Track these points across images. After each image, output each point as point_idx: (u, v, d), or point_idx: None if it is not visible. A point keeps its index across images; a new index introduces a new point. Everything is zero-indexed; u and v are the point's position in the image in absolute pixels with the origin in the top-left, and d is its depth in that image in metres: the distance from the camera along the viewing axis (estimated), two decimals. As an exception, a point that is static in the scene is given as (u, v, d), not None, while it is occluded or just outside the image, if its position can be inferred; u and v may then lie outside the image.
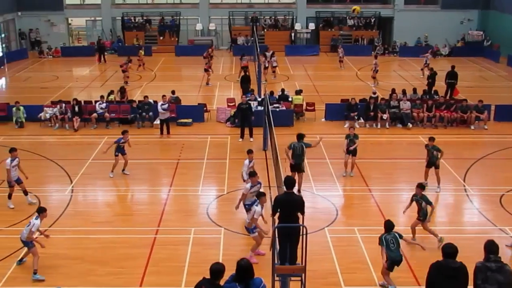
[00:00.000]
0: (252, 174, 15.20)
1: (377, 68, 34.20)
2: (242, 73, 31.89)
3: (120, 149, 19.73)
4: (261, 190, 14.80)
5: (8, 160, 16.90)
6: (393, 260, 12.55)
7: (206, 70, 34.57)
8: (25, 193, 17.37)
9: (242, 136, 23.81)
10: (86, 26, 50.81)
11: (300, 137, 18.03)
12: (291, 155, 17.85)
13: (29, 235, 13.49)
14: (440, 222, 16.95)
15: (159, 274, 13.61)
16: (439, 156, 18.62)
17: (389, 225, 12.86)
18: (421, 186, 15.04)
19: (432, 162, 18.72)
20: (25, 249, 14.01)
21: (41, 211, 13.82)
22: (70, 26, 50.83)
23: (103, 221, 16.58)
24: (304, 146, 17.88)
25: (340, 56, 39.87)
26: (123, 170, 19.93)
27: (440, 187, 18.62)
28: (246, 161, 16.97)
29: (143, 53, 39.78)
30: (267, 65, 35.86)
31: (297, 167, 17.92)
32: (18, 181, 17.14)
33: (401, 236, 12.82)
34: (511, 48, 42.05)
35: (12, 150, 17.24)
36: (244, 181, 16.59)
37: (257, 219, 13.70)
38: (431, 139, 18.95)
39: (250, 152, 17.34)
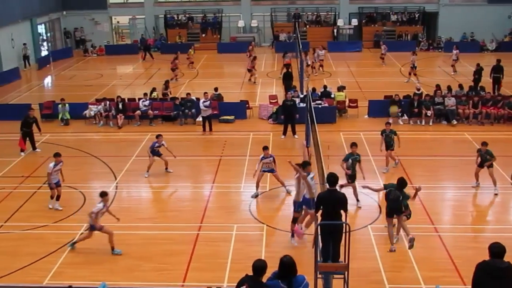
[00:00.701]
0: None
1: (415, 65, 33.64)
2: (285, 70, 31.79)
3: (155, 153, 19.75)
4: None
5: (52, 164, 17.05)
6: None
7: (249, 70, 34.57)
8: (58, 198, 17.29)
9: (285, 133, 23.78)
10: (129, 24, 51.48)
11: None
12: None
13: (94, 219, 14.16)
14: (486, 221, 16.64)
15: (201, 271, 13.70)
16: (492, 161, 18.05)
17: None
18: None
19: (483, 164, 18.17)
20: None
21: (103, 195, 14.47)
22: (114, 24, 51.61)
23: (146, 218, 16.79)
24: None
25: (382, 53, 39.42)
26: (166, 168, 20.02)
27: (497, 188, 18.05)
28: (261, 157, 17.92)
29: (192, 52, 39.95)
30: (309, 63, 35.69)
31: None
32: (57, 184, 17.23)
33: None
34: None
35: (57, 155, 17.28)
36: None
37: (311, 186, 14.05)
38: (484, 143, 18.31)
39: (265, 148, 18.09)
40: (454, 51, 36.77)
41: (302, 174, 14.11)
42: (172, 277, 13.42)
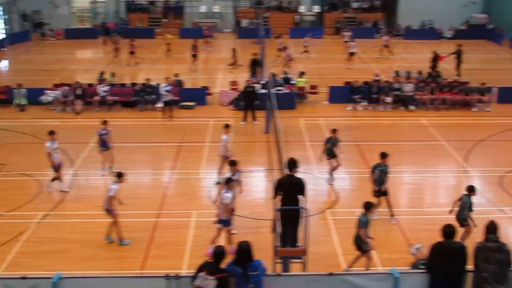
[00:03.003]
0: (233, 163, 15.06)
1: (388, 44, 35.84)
2: (253, 56, 31.16)
3: (103, 143, 18.61)
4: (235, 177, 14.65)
5: (49, 144, 16.89)
6: None
7: (193, 56, 34.05)
8: (58, 179, 17.22)
9: (245, 119, 23.81)
10: (90, 8, 50.58)
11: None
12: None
13: (110, 201, 13.94)
14: (441, 204, 16.98)
15: (161, 258, 13.68)
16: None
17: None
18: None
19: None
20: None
21: (119, 176, 14.22)
22: (74, 7, 50.63)
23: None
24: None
25: (345, 41, 39.15)
26: (110, 167, 18.68)
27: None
28: (224, 136, 17.52)
29: (170, 36, 38.65)
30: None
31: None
32: (59, 165, 17.16)
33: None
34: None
35: (52, 133, 17.19)
36: (224, 157, 17.39)
37: (229, 205, 13.52)
38: (334, 130, 17.84)
39: (227, 126, 17.83)
40: (385, 37, 37.99)
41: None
42: (131, 265, 13.36)
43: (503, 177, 18.10)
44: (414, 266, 11.77)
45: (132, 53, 34.89)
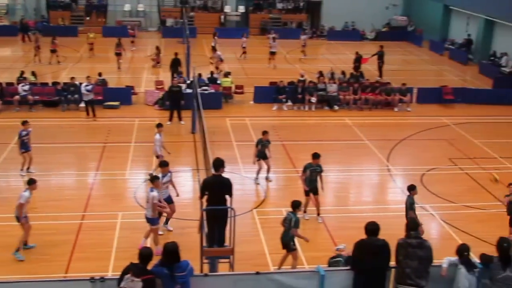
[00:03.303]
0: (164, 164, 14.83)
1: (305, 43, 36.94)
2: (173, 56, 31.08)
3: (24, 145, 18.15)
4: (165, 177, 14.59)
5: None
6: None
7: (117, 54, 33.50)
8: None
9: (170, 119, 23.62)
10: (8, 4, 48.78)
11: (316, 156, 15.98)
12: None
13: (20, 208, 13.51)
14: (365, 202, 17.44)
15: (85, 260, 13.41)
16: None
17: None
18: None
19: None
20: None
21: (31, 183, 13.94)
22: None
23: (27, 208, 16.09)
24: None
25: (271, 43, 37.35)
26: (28, 168, 18.33)
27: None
28: (157, 136, 17.57)
29: (92, 35, 37.31)
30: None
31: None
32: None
33: None
34: (433, 33, 43.44)
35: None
36: (157, 156, 17.65)
37: (156, 205, 13.52)
38: (265, 132, 18.11)
39: (159, 126, 17.85)
40: (303, 37, 39.02)
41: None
42: (55, 268, 13.03)
43: (423, 175, 18.74)
44: (330, 263, 12.01)
45: (53, 51, 33.93)
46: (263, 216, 15.81)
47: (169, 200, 14.64)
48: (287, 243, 12.88)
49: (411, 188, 14.13)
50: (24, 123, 18.34)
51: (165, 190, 14.57)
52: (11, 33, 43.12)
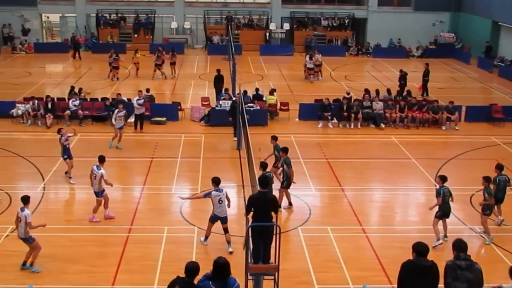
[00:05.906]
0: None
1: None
2: (216, 73, 31.32)
3: (66, 151, 18.94)
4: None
5: None
6: (444, 211, 15.01)
7: (157, 65, 35.13)
8: None
9: (235, 135, 23.27)
10: (60, 22, 50.18)
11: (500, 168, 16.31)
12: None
13: (27, 227, 13.40)
14: (412, 222, 17.19)
15: (131, 273, 13.57)
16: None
17: (443, 178, 15.32)
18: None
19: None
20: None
21: (26, 202, 13.73)
22: (45, 21, 50.17)
23: (75, 219, 16.46)
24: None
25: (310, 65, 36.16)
26: (70, 178, 19.05)
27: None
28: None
29: (138, 55, 37.82)
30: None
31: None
32: None
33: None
34: (481, 49, 42.70)
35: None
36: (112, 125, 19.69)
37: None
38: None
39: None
40: (317, 55, 36.85)
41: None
42: (101, 280, 13.24)
43: (473, 195, 18.37)
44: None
45: (115, 68, 34.65)
46: (308, 234, 15.72)
47: (223, 220, 14.64)
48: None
49: (444, 179, 15.39)
50: (60, 130, 19.04)
51: (222, 207, 14.49)
52: (63, 50, 44.32)
